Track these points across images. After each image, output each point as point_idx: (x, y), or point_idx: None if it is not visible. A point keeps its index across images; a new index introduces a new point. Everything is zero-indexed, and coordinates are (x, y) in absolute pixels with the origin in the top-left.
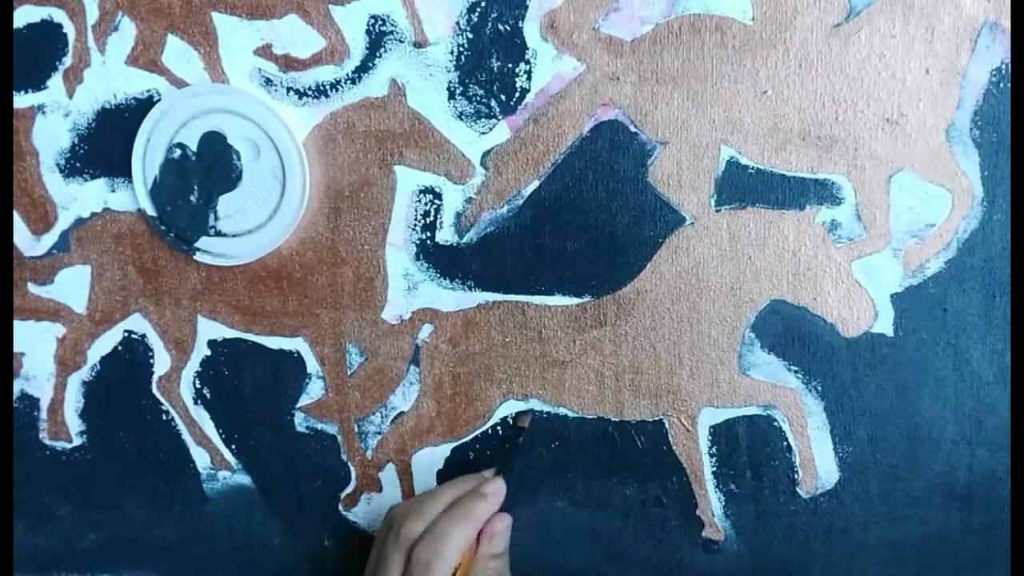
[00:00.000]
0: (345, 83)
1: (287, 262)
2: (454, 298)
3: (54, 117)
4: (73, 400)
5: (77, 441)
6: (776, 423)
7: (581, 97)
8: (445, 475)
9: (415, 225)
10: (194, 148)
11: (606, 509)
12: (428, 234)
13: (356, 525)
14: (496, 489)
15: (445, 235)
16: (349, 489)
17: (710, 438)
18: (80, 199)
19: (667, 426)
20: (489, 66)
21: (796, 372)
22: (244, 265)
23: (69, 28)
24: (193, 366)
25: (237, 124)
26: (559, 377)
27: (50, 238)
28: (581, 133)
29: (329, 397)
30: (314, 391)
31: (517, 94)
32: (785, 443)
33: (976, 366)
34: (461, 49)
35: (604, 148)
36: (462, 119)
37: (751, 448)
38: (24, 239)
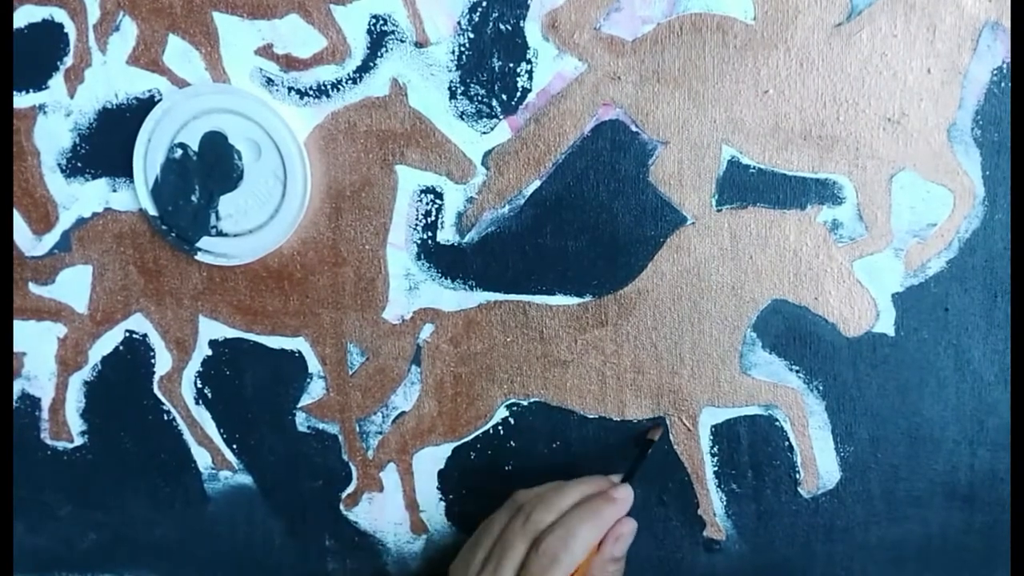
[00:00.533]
0: (346, 83)
1: (288, 262)
2: (455, 298)
3: (55, 117)
4: (74, 400)
5: (78, 441)
6: (777, 423)
7: (582, 97)
8: (446, 475)
9: (416, 225)
10: (195, 148)
11: None
12: (429, 234)
13: (357, 525)
14: (626, 495)
15: (446, 235)
16: (350, 489)
17: (711, 438)
18: (81, 199)
19: (668, 426)
20: (490, 66)
21: (797, 372)
22: (245, 265)
23: (70, 28)
24: (194, 366)
25: (238, 124)
26: (561, 377)
27: (51, 238)
28: (582, 133)
29: (330, 397)
30: (315, 391)
31: (518, 94)
32: (786, 443)
33: (978, 366)
34: (462, 49)
35: (605, 148)
36: (463, 119)
37: (752, 448)
38: (25, 239)
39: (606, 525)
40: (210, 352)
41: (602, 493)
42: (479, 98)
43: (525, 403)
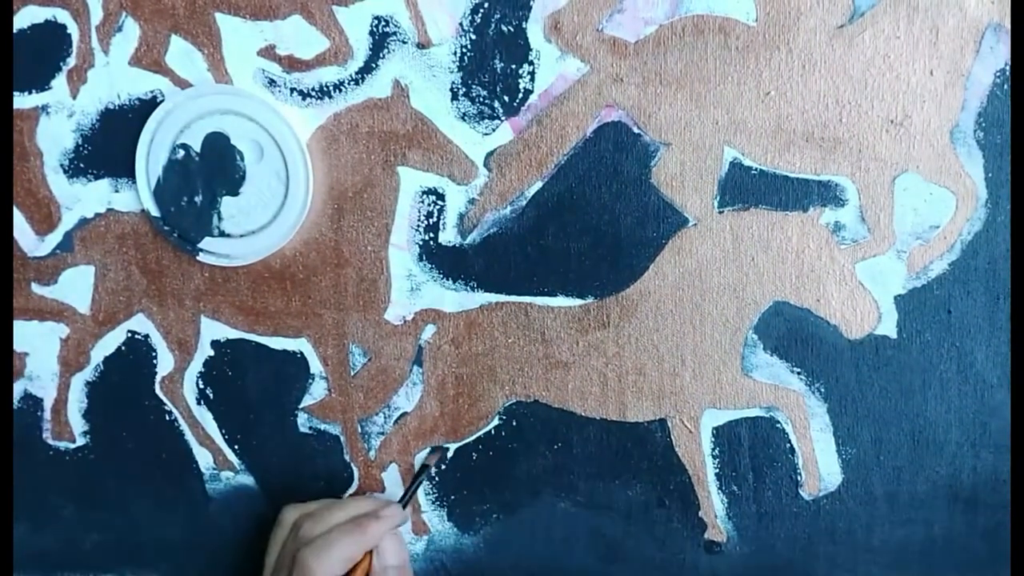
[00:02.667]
0: (348, 84)
1: (290, 263)
2: (457, 299)
3: (58, 118)
4: (76, 400)
5: (80, 441)
6: (779, 425)
7: (584, 98)
8: (448, 476)
9: (418, 226)
10: (197, 149)
11: (608, 511)
12: (431, 235)
13: None
14: (392, 512)
15: (448, 236)
16: (352, 490)
17: (713, 440)
18: (84, 199)
19: (670, 427)
20: (492, 67)
21: (799, 374)
22: (247, 266)
23: (73, 29)
24: (196, 366)
25: (241, 125)
26: (562, 379)
27: (54, 238)
28: (584, 134)
29: (332, 398)
30: (317, 392)
31: (520, 95)
32: (788, 445)
33: (980, 368)
34: (464, 50)
35: (607, 149)
36: (465, 120)
37: (753, 450)
38: (28, 239)
39: (370, 541)
40: (212, 353)
41: (371, 511)
42: (481, 99)
43: (526, 404)
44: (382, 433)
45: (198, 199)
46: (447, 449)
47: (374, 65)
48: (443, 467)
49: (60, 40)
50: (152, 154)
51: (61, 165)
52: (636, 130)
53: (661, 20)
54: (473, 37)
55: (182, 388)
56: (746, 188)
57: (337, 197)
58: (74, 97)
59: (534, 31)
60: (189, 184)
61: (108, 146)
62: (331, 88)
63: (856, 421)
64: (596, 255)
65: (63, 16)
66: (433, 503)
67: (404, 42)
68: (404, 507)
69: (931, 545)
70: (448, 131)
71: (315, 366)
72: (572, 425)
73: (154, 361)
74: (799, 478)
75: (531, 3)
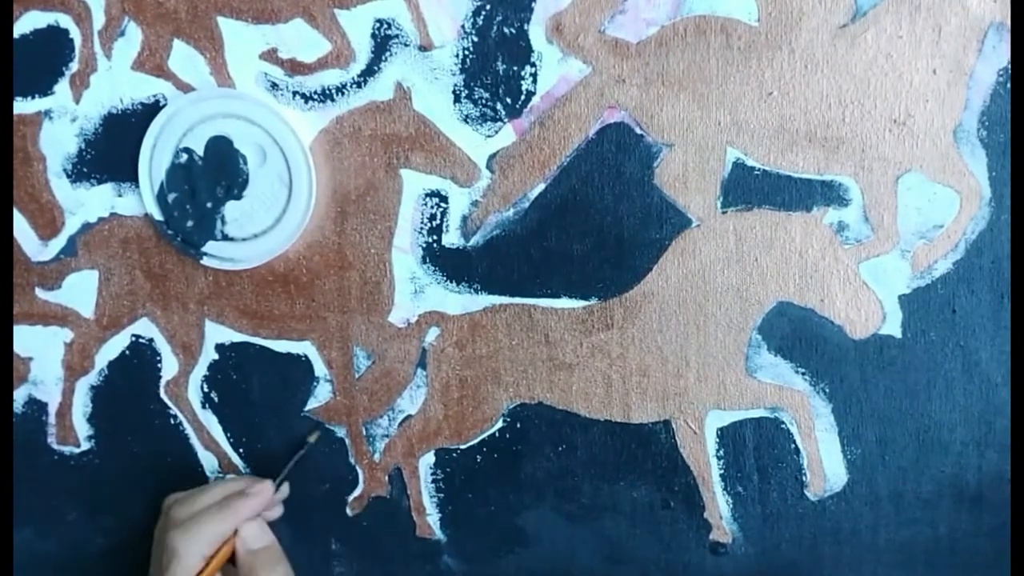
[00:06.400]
0: (351, 87)
1: (294, 266)
2: (460, 301)
3: (61, 122)
4: (81, 405)
5: (85, 446)
6: (784, 425)
7: (587, 100)
8: (453, 479)
9: (421, 228)
10: (200, 153)
11: (613, 512)
12: (434, 237)
13: (364, 529)
14: (260, 489)
15: (451, 238)
16: (357, 492)
17: (717, 441)
18: (87, 204)
19: (674, 428)
20: (494, 69)
21: (804, 374)
22: (251, 269)
23: (75, 33)
24: (201, 370)
25: (243, 129)
26: (566, 380)
27: (57, 243)
28: (587, 136)
29: (337, 400)
30: (322, 394)
31: (523, 97)
32: (793, 445)
33: (985, 367)
34: (466, 52)
35: (610, 151)
36: (468, 122)
37: (758, 450)
38: (32, 244)
39: (236, 519)
40: (216, 356)
41: (240, 491)
42: (483, 101)
43: (531, 406)
44: (387, 436)
45: (201, 203)
46: (320, 427)
47: (376, 68)
48: (317, 444)
49: (62, 45)
50: (155, 158)
51: (64, 170)
52: (639, 131)
53: (663, 21)
54: (475, 39)
55: (187, 392)
56: (749, 188)
57: (340, 200)
58: (77, 102)
59: (536, 33)
60: (192, 188)
61: (111, 150)
62: (333, 91)
63: (861, 421)
64: (599, 256)
65: (65, 21)
66: (437, 505)
67: (406, 45)
68: (277, 488)
69: (936, 545)
70: (451, 133)
71: (319, 369)
72: (576, 427)
73: (158, 365)
74: (804, 478)
75: (533, 5)
